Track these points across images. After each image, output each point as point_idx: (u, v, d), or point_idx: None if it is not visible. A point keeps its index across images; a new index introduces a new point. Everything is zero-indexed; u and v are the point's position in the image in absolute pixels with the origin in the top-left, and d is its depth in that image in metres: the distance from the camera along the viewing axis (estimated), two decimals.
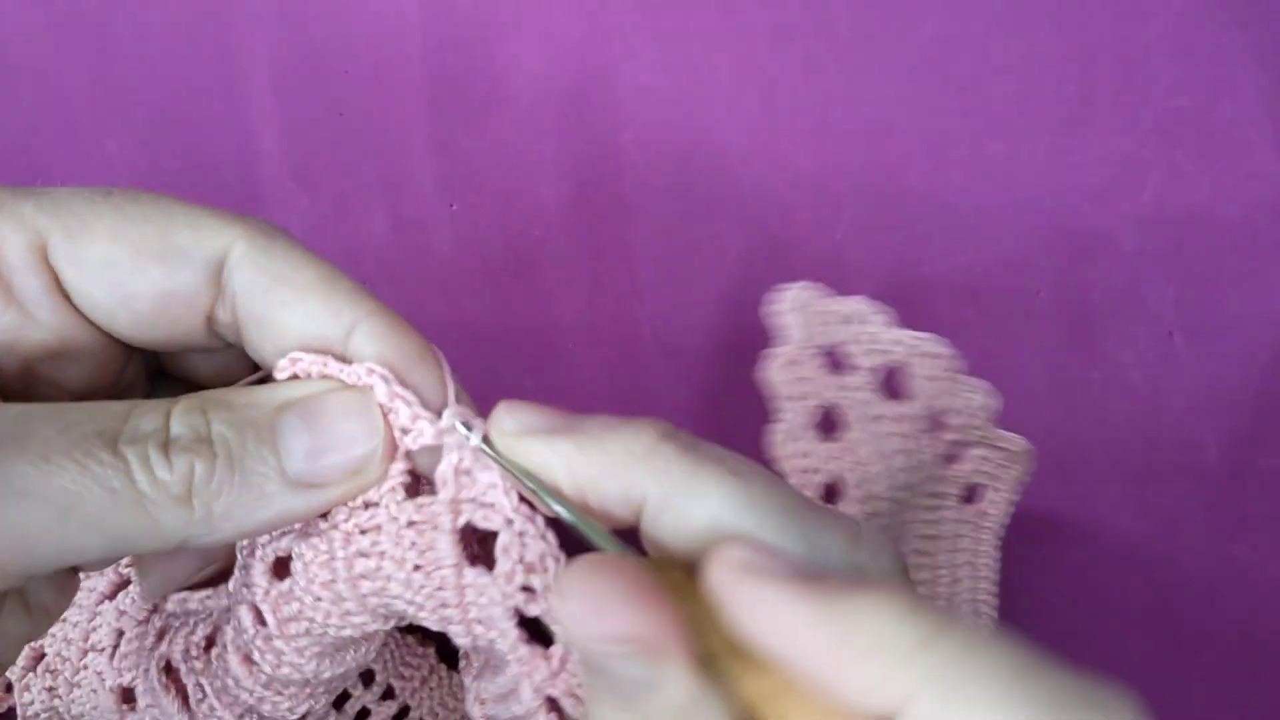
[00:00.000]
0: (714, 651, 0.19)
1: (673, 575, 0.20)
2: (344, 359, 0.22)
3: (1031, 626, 0.46)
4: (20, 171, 0.50)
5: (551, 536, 0.22)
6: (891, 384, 0.33)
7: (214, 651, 0.28)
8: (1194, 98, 0.42)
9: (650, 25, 0.45)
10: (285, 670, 0.25)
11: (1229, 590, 0.45)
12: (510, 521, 0.22)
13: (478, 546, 0.23)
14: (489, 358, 0.49)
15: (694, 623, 0.19)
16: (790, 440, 0.32)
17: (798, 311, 0.33)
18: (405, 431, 0.22)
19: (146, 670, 0.31)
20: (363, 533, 0.22)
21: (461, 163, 0.47)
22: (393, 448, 0.22)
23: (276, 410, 0.22)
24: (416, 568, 0.22)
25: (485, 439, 0.22)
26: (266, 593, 0.24)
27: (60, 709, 0.34)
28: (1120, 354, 0.44)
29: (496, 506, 0.22)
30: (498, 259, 0.47)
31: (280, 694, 0.26)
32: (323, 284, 0.23)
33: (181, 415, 0.21)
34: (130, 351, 0.25)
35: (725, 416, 0.47)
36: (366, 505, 0.23)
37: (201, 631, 0.29)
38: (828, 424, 0.33)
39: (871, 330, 0.33)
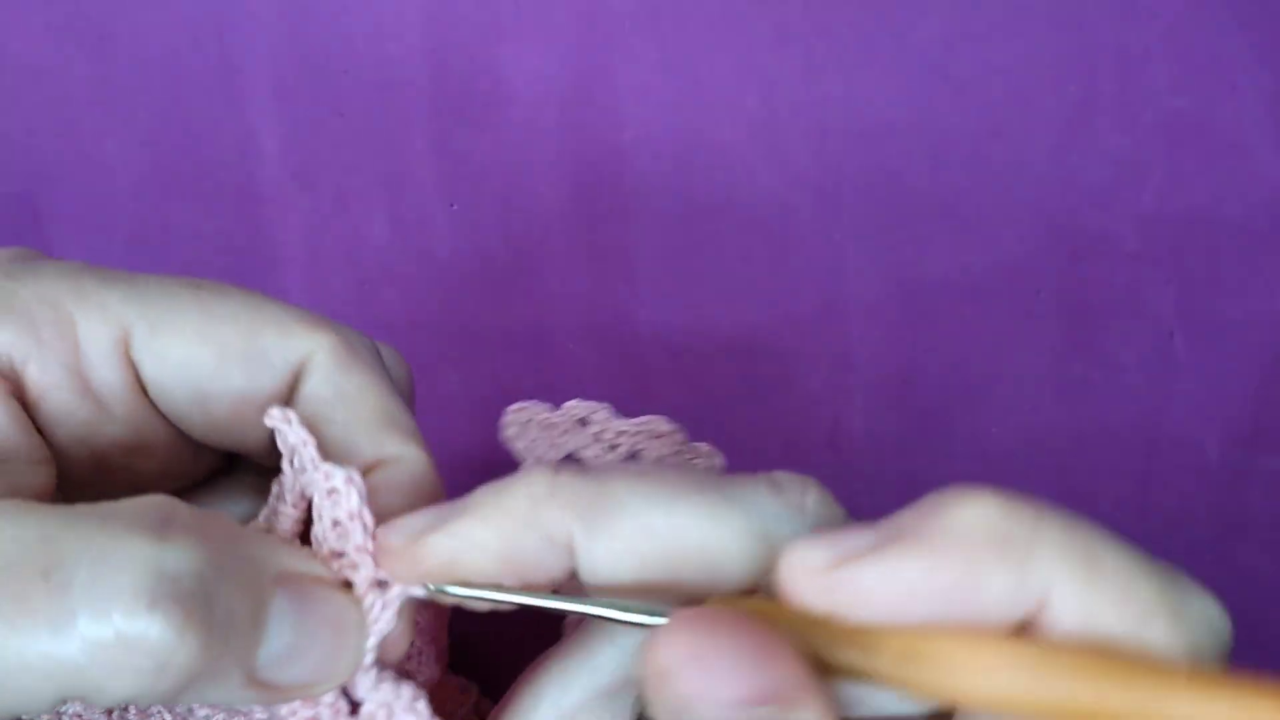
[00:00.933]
0: (828, 656, 0.17)
1: (751, 604, 0.18)
2: (324, 453, 0.21)
3: None
4: (21, 173, 0.50)
5: (422, 706, 0.20)
6: None
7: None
8: (1195, 98, 0.42)
9: (651, 26, 0.45)
10: None
11: (1230, 591, 0.45)
12: (375, 695, 0.20)
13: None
14: (489, 358, 0.49)
15: (803, 639, 0.17)
16: None
17: (520, 436, 0.33)
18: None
19: None
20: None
21: (461, 163, 0.47)
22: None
23: (274, 580, 0.19)
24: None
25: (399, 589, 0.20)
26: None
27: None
28: (1120, 354, 0.44)
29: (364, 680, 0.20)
30: (498, 259, 0.48)
31: None
32: (378, 415, 0.22)
33: (183, 544, 0.17)
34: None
35: (725, 417, 0.47)
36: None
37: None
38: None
39: (595, 429, 0.33)
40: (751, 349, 0.47)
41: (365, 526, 0.20)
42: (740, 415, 0.47)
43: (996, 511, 0.17)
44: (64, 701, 0.16)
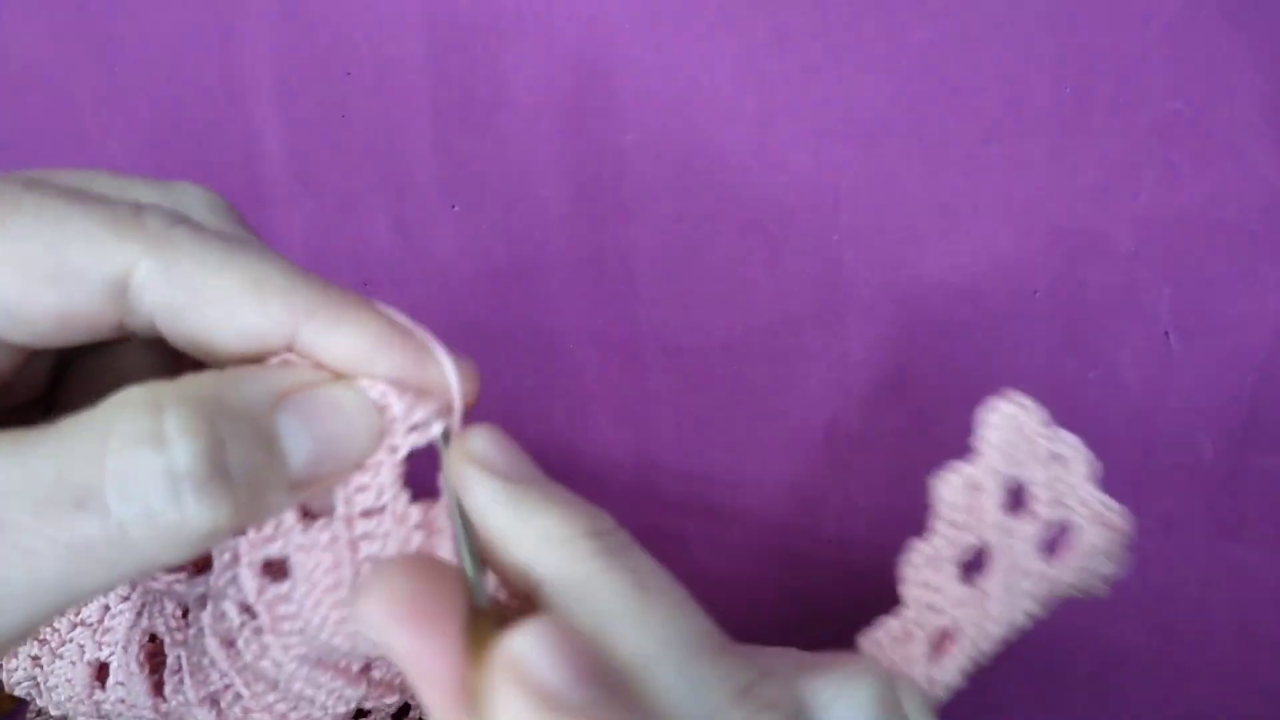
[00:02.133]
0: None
1: (484, 623, 0.19)
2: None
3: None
4: None
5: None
6: (1055, 543, 0.30)
7: (191, 631, 0.28)
8: (1190, 100, 0.42)
9: (651, 29, 0.45)
10: (265, 664, 0.25)
11: (1225, 589, 0.45)
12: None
13: None
14: (490, 358, 0.49)
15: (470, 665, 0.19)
16: (928, 568, 0.29)
17: (1006, 431, 0.30)
18: (409, 427, 0.22)
19: (126, 646, 0.31)
20: (369, 540, 0.22)
21: (463, 164, 0.47)
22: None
23: (272, 408, 0.20)
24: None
25: (446, 434, 0.22)
26: (260, 593, 0.24)
27: (40, 679, 0.34)
28: (1116, 354, 0.44)
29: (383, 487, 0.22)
30: (499, 260, 0.48)
31: (247, 686, 0.26)
32: (249, 288, 0.20)
33: (183, 439, 0.18)
34: None
35: (724, 416, 0.47)
36: (370, 513, 0.22)
37: (173, 607, 0.29)
38: (974, 562, 0.30)
39: (1070, 481, 0.29)
40: (750, 349, 0.47)
41: (399, 396, 0.22)
42: (739, 415, 0.48)
43: None
44: (136, 576, 0.19)
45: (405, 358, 0.22)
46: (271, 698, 0.26)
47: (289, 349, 0.21)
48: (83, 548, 0.18)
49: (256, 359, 0.21)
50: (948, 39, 0.43)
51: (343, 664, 0.24)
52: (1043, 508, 0.29)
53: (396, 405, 0.22)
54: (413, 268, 0.49)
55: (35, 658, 0.34)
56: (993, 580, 0.29)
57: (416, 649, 0.19)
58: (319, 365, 0.21)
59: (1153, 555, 0.45)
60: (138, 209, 0.21)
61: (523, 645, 0.18)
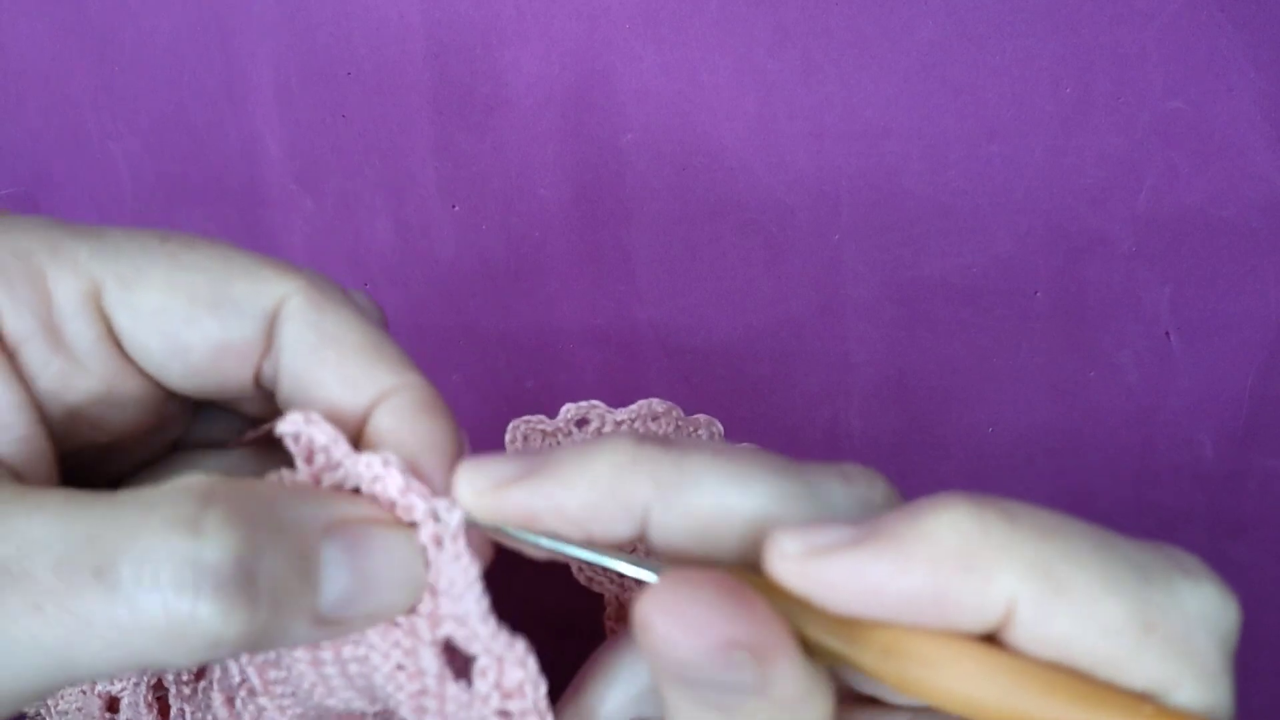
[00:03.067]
0: (814, 638, 0.18)
1: (750, 577, 0.19)
2: (354, 442, 0.21)
3: None
4: (24, 174, 0.50)
5: (532, 662, 0.21)
6: None
7: (201, 684, 0.28)
8: (1190, 99, 0.42)
9: (650, 29, 0.45)
10: None
11: None
12: (488, 649, 0.21)
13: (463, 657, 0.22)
14: (491, 359, 0.49)
15: (789, 616, 0.18)
16: None
17: (523, 449, 0.33)
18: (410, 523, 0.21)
19: (137, 684, 0.31)
20: None
21: (463, 165, 0.47)
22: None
23: (321, 533, 0.20)
24: (400, 667, 0.22)
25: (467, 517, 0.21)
26: (251, 656, 0.23)
27: (51, 702, 0.34)
28: (1116, 354, 0.44)
29: (474, 633, 0.21)
30: (499, 260, 0.48)
31: None
32: (368, 349, 0.22)
33: (219, 535, 0.18)
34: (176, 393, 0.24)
35: (724, 417, 0.47)
36: None
37: None
38: None
39: (594, 426, 0.33)
40: (750, 349, 0.47)
41: (406, 483, 0.21)
42: (739, 415, 0.48)
43: (969, 523, 0.17)
44: (131, 670, 0.18)
45: (439, 464, 0.22)
46: None
47: (336, 421, 0.21)
48: (85, 619, 0.18)
49: (343, 413, 0.21)
50: (948, 39, 0.43)
51: (343, 711, 0.24)
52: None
53: (417, 506, 0.21)
54: (413, 267, 0.49)
55: None
56: None
57: (751, 627, 0.18)
58: (379, 501, 0.21)
59: None
60: (300, 268, 0.22)
61: (791, 542, 0.18)
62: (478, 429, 0.50)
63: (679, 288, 0.47)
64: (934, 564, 0.17)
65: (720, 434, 0.36)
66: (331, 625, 0.20)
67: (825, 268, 0.45)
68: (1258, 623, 0.45)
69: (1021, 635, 0.17)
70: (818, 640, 0.18)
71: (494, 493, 0.20)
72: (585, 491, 0.20)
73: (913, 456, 0.47)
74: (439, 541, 0.21)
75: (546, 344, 0.48)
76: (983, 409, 0.46)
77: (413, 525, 0.21)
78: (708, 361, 0.47)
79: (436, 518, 0.21)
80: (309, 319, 0.22)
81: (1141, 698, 0.17)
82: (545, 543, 0.20)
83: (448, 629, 0.21)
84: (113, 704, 0.33)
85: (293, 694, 0.24)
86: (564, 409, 0.36)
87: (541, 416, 0.37)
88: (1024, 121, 0.43)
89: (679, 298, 0.47)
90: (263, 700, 0.24)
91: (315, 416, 0.21)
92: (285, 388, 0.22)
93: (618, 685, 0.22)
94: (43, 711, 0.34)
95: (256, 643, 0.19)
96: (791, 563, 0.18)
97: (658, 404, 0.36)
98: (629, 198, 0.46)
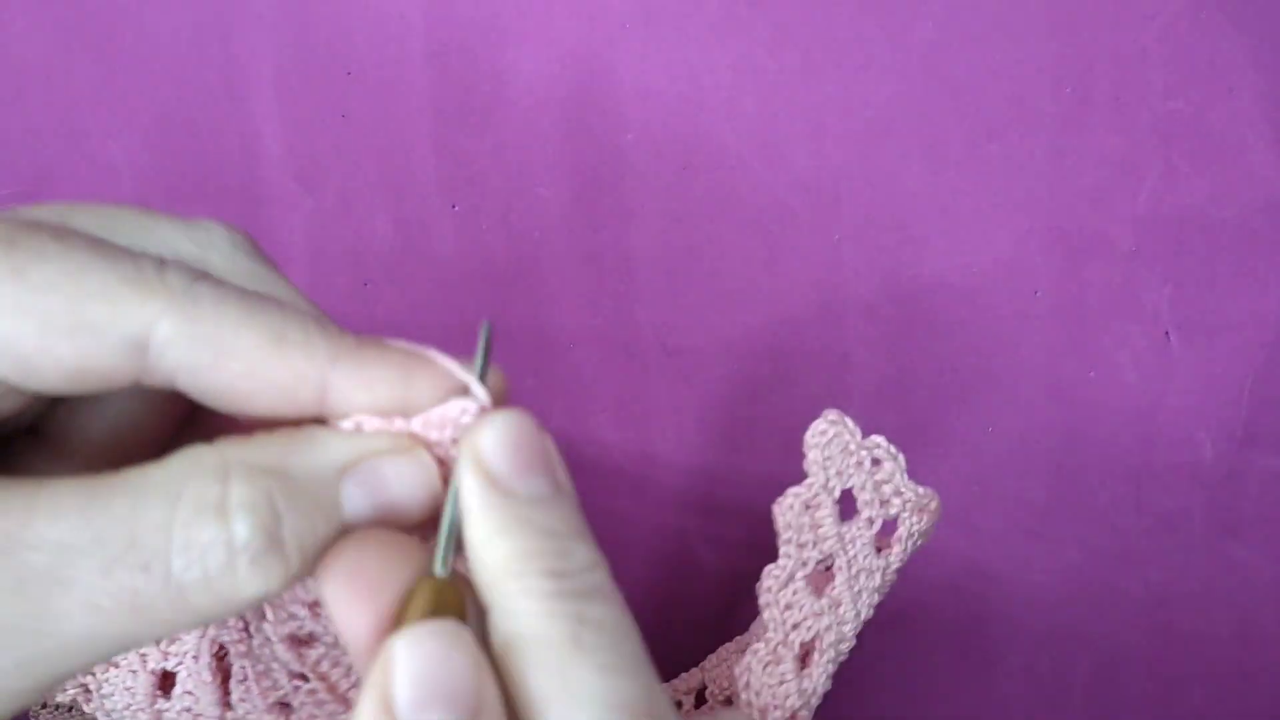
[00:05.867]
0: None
1: (440, 591, 0.20)
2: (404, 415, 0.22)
3: (1027, 623, 0.46)
4: (23, 173, 0.50)
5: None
6: (883, 534, 0.34)
7: (255, 641, 0.28)
8: (1190, 100, 0.42)
9: (650, 29, 0.45)
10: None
11: (1225, 589, 0.45)
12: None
13: None
14: (490, 358, 0.49)
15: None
16: (781, 588, 0.32)
17: (822, 448, 0.33)
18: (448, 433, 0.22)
19: (196, 656, 0.31)
20: None
21: (463, 164, 0.47)
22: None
23: (338, 477, 0.21)
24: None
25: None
26: (296, 593, 0.24)
27: (92, 686, 0.34)
28: (1116, 354, 0.44)
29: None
30: (499, 260, 0.48)
31: (323, 680, 0.26)
32: (272, 343, 0.20)
33: (244, 514, 0.19)
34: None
35: (724, 417, 0.47)
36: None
37: (239, 618, 0.29)
38: (821, 574, 0.33)
39: (887, 479, 0.34)
40: (750, 349, 0.47)
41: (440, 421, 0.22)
42: (739, 415, 0.48)
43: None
44: (195, 627, 0.20)
45: (434, 379, 0.22)
46: (345, 685, 0.26)
47: (353, 414, 0.21)
48: (145, 607, 0.19)
49: (288, 413, 0.21)
50: (948, 39, 0.43)
51: None
52: (869, 509, 0.33)
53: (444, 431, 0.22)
54: (413, 268, 0.49)
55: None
56: (840, 587, 0.32)
57: (345, 613, 0.20)
58: (384, 427, 0.21)
59: (1153, 555, 0.45)
60: (161, 264, 0.20)
61: (485, 436, 0.21)
62: None
63: (679, 288, 0.47)
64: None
65: (938, 509, 0.35)
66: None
67: (825, 267, 0.45)
68: (1257, 622, 0.45)
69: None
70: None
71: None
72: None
73: (912, 457, 0.47)
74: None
75: (546, 343, 0.48)
76: (983, 409, 0.46)
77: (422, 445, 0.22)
78: (707, 361, 0.47)
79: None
80: (192, 342, 0.20)
81: None
82: (450, 501, 0.21)
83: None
84: (165, 681, 0.32)
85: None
86: (875, 439, 0.35)
87: (855, 427, 0.35)
88: (1024, 122, 0.43)
89: (679, 298, 0.47)
90: (317, 627, 0.24)
91: (361, 417, 0.21)
92: (199, 397, 0.21)
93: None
94: (80, 699, 0.34)
95: (298, 580, 0.20)
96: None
97: (934, 500, 0.34)
98: (629, 197, 0.46)
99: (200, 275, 0.21)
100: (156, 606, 0.19)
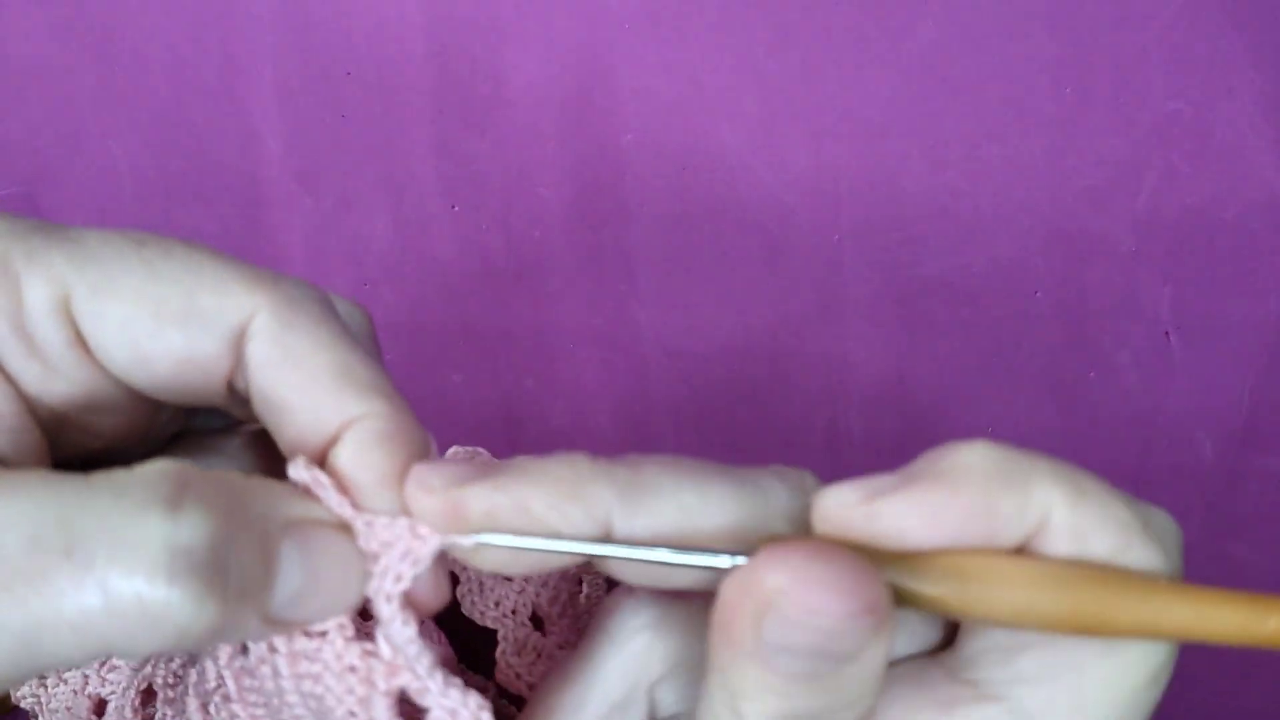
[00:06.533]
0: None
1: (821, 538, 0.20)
2: (343, 491, 0.21)
3: None
4: (23, 173, 0.50)
5: (486, 717, 0.20)
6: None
7: (179, 689, 0.28)
8: (1190, 100, 0.42)
9: (650, 29, 0.45)
10: None
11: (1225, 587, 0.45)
12: (439, 704, 0.21)
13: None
14: (490, 358, 0.49)
15: None
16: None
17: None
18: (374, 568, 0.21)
19: (125, 690, 0.31)
20: (308, 659, 0.22)
21: (463, 164, 0.47)
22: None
23: (283, 531, 0.20)
24: (352, 714, 0.21)
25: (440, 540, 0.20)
26: (230, 660, 0.23)
27: (43, 699, 0.34)
28: (1116, 354, 0.44)
29: (425, 687, 0.21)
30: (499, 260, 0.48)
31: None
32: (335, 372, 0.21)
33: (196, 517, 0.18)
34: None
35: (723, 417, 0.48)
36: (310, 635, 0.21)
37: (179, 661, 0.29)
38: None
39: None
40: (750, 350, 0.47)
41: (341, 498, 0.21)
42: (738, 416, 0.48)
43: (994, 450, 0.19)
44: (96, 658, 0.18)
45: (394, 499, 0.21)
46: None
47: (325, 462, 0.21)
48: (54, 601, 0.17)
49: (311, 445, 0.21)
50: (948, 39, 0.43)
51: None
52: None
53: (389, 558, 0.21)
54: (412, 267, 0.49)
55: (42, 677, 0.34)
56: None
57: (878, 593, 0.18)
58: (341, 497, 0.21)
59: None
60: (278, 275, 0.22)
61: (841, 494, 0.19)
62: (478, 429, 0.50)
63: (678, 288, 0.47)
64: (981, 484, 0.19)
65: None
66: (279, 624, 0.20)
67: (825, 268, 0.45)
68: None
69: (1053, 539, 0.19)
70: (888, 583, 0.19)
71: (449, 490, 0.20)
72: (551, 487, 0.20)
73: (912, 457, 0.47)
74: (399, 578, 0.20)
75: (546, 343, 0.48)
76: (983, 409, 0.46)
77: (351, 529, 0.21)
78: (707, 362, 0.47)
79: (413, 536, 0.20)
80: (275, 337, 0.21)
81: (1154, 576, 0.19)
82: (563, 545, 0.20)
83: (403, 679, 0.21)
84: (99, 707, 0.33)
85: (265, 705, 0.23)
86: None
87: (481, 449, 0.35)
88: (1024, 122, 0.43)
89: (678, 298, 0.47)
90: (235, 707, 0.23)
91: (319, 476, 0.21)
92: (255, 404, 0.22)
93: (590, 706, 0.22)
94: (35, 709, 0.34)
95: (217, 635, 0.18)
96: (853, 510, 0.19)
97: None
98: (629, 198, 0.46)
99: (317, 294, 0.22)
100: (66, 606, 0.17)
